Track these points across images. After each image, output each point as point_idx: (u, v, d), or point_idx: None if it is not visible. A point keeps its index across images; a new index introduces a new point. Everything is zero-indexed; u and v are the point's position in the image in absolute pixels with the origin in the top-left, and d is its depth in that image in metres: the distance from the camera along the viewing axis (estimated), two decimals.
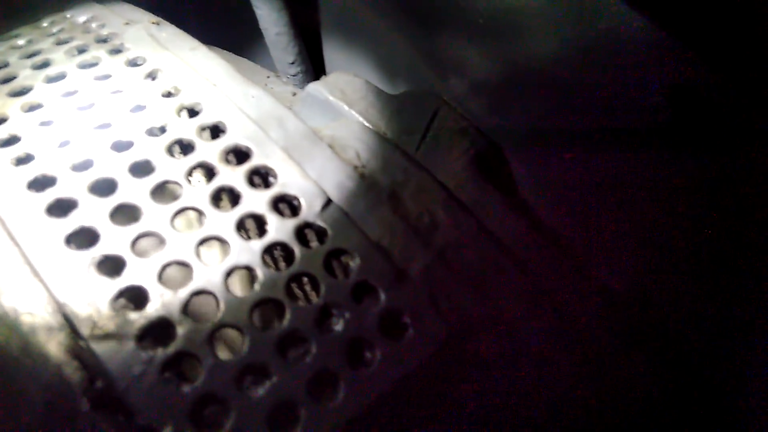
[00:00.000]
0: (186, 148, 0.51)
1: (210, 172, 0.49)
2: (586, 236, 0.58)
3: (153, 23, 0.63)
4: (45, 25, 0.66)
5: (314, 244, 0.47)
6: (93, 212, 0.44)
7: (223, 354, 0.40)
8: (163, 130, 0.52)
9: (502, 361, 0.44)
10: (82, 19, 0.65)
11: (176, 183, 0.47)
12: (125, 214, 0.45)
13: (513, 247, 0.51)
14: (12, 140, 0.49)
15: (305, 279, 0.45)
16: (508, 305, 0.47)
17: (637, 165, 0.52)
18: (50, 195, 0.45)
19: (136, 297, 0.41)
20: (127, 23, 0.62)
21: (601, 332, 0.49)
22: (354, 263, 0.45)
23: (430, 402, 0.41)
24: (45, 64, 0.57)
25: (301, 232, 0.46)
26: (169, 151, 0.50)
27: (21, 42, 0.62)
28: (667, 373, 0.52)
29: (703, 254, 0.54)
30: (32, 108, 0.52)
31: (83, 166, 0.47)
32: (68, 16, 0.67)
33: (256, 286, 0.43)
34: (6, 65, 0.57)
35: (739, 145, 0.47)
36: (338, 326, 0.42)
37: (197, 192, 0.47)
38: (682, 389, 0.53)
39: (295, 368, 0.40)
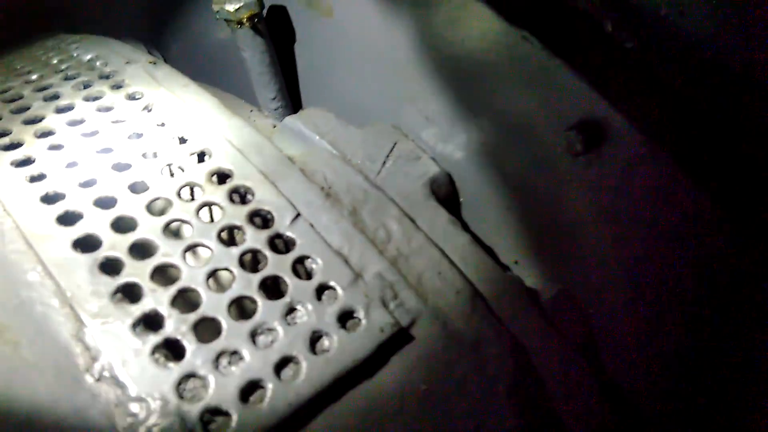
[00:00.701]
0: (176, 170, 0.60)
1: (196, 190, 0.57)
2: (516, 245, 0.67)
3: (150, 62, 0.72)
4: (54, 62, 0.74)
5: (284, 251, 0.55)
6: (96, 222, 0.52)
7: (204, 340, 0.48)
8: (156, 155, 0.61)
9: (440, 349, 0.52)
10: (87, 57, 0.74)
11: (167, 199, 0.56)
12: (124, 224, 0.53)
13: (454, 257, 0.60)
14: (26, 161, 0.57)
15: (276, 279, 0.53)
16: (447, 304, 0.55)
17: (562, 186, 0.61)
18: (60, 207, 0.53)
19: (131, 292, 0.49)
20: (127, 62, 0.71)
21: (528, 325, 0.57)
22: (317, 267, 0.54)
23: (380, 383, 0.49)
24: (55, 97, 0.66)
25: (272, 241, 0.54)
26: (162, 172, 0.58)
27: (34, 77, 0.70)
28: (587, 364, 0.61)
29: (621, 262, 0.63)
30: (44, 134, 0.60)
31: (88, 184, 0.55)
32: (74, 54, 0.76)
33: (234, 285, 0.51)
34: (21, 97, 0.66)
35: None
36: (302, 319, 0.50)
37: (185, 206, 0.55)
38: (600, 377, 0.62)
39: (264, 353, 0.48)
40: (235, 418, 0.44)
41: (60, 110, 0.64)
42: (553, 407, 0.57)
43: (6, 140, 0.59)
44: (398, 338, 0.52)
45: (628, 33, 0.57)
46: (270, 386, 0.46)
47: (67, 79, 0.70)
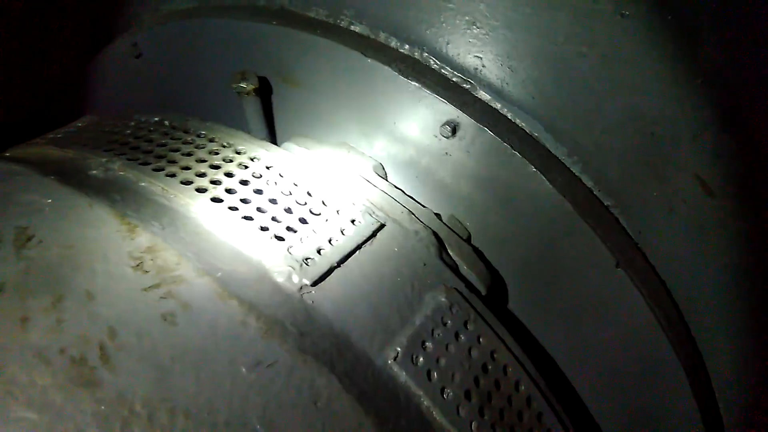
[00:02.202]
0: (246, 166, 1.09)
1: (270, 171, 1.07)
2: (425, 199, 1.24)
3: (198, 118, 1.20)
4: (132, 124, 1.20)
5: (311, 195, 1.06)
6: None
7: (294, 231, 0.97)
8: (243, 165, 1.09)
9: (398, 232, 1.06)
10: (155, 119, 1.21)
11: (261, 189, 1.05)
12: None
13: (397, 198, 1.15)
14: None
15: (311, 209, 1.03)
16: (397, 217, 1.10)
17: (441, 157, 1.20)
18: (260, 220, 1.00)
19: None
20: (186, 119, 1.19)
21: (439, 225, 1.14)
22: (331, 202, 1.06)
23: (375, 245, 1.02)
24: (166, 146, 1.11)
25: (308, 191, 1.06)
26: (254, 174, 1.07)
27: (128, 131, 1.15)
28: None
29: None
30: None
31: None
32: (143, 120, 1.22)
33: (296, 210, 1.01)
34: (138, 147, 1.11)
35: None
36: (333, 222, 1.01)
37: (273, 190, 1.05)
38: None
39: (322, 235, 0.98)
40: (317, 259, 0.94)
41: (173, 150, 1.10)
42: (453, 261, 1.13)
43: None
44: (380, 228, 1.05)
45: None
46: (328, 247, 0.97)
47: (155, 131, 1.16)
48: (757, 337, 1.18)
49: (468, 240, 1.23)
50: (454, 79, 1.20)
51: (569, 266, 1.19)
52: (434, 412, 0.89)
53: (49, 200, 0.85)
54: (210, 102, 1.42)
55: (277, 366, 0.76)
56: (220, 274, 0.83)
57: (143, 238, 0.83)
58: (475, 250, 1.21)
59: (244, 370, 0.74)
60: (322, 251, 0.96)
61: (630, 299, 1.15)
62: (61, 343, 0.69)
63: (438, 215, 1.21)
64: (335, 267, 0.95)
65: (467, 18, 1.13)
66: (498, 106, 1.17)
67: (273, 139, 1.37)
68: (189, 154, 1.08)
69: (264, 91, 1.31)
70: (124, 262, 0.79)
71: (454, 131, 1.16)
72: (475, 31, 1.13)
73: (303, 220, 1.00)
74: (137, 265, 0.79)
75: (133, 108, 1.35)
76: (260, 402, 0.72)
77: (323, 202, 1.06)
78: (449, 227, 1.18)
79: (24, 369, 0.65)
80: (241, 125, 1.33)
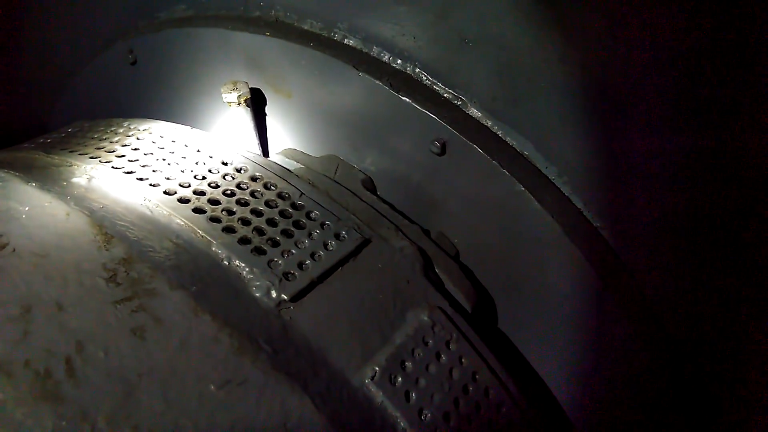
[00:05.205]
0: (233, 177, 1.08)
1: (248, 185, 1.06)
2: (411, 213, 1.23)
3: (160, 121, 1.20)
4: (122, 131, 1.19)
5: (298, 209, 1.05)
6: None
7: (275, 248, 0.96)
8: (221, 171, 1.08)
9: (384, 247, 1.05)
10: (125, 124, 1.20)
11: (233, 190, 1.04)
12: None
13: (382, 212, 1.14)
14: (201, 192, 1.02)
15: (299, 221, 1.02)
16: (383, 233, 1.09)
17: (431, 174, 1.19)
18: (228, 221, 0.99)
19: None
20: (175, 128, 1.19)
21: (422, 239, 1.12)
22: (317, 215, 1.04)
23: (358, 261, 1.00)
24: (153, 155, 1.11)
25: (292, 205, 1.05)
26: (239, 185, 1.06)
27: (116, 138, 1.15)
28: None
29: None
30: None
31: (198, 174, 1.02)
32: (132, 127, 1.21)
33: (281, 225, 1.00)
34: (124, 156, 1.10)
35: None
36: (316, 237, 1.00)
37: (245, 192, 1.04)
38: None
39: (304, 250, 0.97)
40: (298, 274, 0.92)
41: (147, 150, 1.09)
42: (439, 279, 1.11)
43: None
44: (365, 244, 1.03)
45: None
46: (310, 262, 0.95)
47: (127, 135, 1.15)
48: None
49: (456, 257, 1.22)
50: (445, 95, 1.19)
51: (556, 287, 1.17)
52: None
53: (27, 208, 0.85)
54: (204, 110, 1.41)
55: (248, 385, 0.75)
56: (195, 288, 0.82)
57: (119, 249, 0.82)
58: (463, 267, 1.19)
59: (213, 387, 0.72)
60: (304, 266, 0.95)
61: (617, 322, 1.13)
62: (27, 355, 0.67)
63: (427, 231, 1.19)
64: (316, 283, 0.94)
65: (458, 35, 1.12)
66: (489, 123, 1.16)
67: (265, 150, 1.36)
68: (175, 163, 1.07)
69: (256, 102, 1.31)
70: (98, 273, 0.78)
71: (443, 148, 1.15)
72: (467, 47, 1.12)
73: (286, 233, 0.99)
74: (110, 277, 0.78)
75: (127, 114, 1.35)
76: (228, 421, 0.71)
77: (308, 216, 1.04)
78: (437, 244, 1.17)
79: None
80: (233, 134, 1.32)
